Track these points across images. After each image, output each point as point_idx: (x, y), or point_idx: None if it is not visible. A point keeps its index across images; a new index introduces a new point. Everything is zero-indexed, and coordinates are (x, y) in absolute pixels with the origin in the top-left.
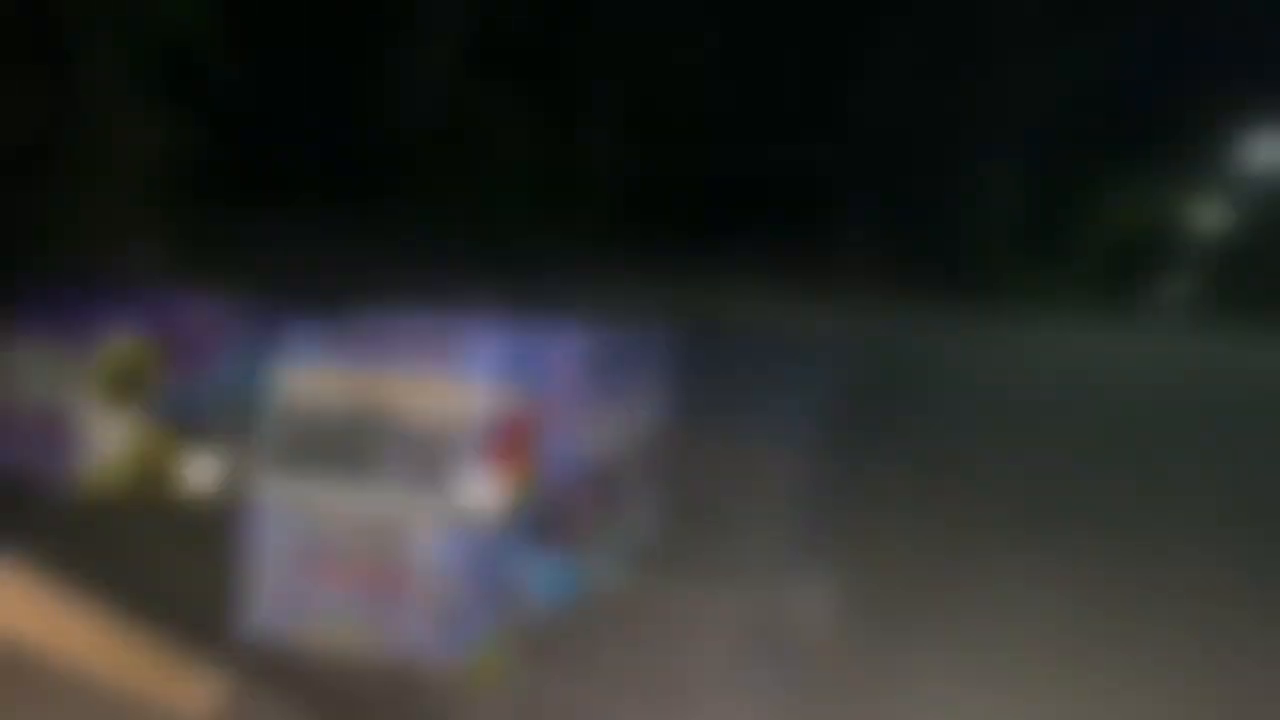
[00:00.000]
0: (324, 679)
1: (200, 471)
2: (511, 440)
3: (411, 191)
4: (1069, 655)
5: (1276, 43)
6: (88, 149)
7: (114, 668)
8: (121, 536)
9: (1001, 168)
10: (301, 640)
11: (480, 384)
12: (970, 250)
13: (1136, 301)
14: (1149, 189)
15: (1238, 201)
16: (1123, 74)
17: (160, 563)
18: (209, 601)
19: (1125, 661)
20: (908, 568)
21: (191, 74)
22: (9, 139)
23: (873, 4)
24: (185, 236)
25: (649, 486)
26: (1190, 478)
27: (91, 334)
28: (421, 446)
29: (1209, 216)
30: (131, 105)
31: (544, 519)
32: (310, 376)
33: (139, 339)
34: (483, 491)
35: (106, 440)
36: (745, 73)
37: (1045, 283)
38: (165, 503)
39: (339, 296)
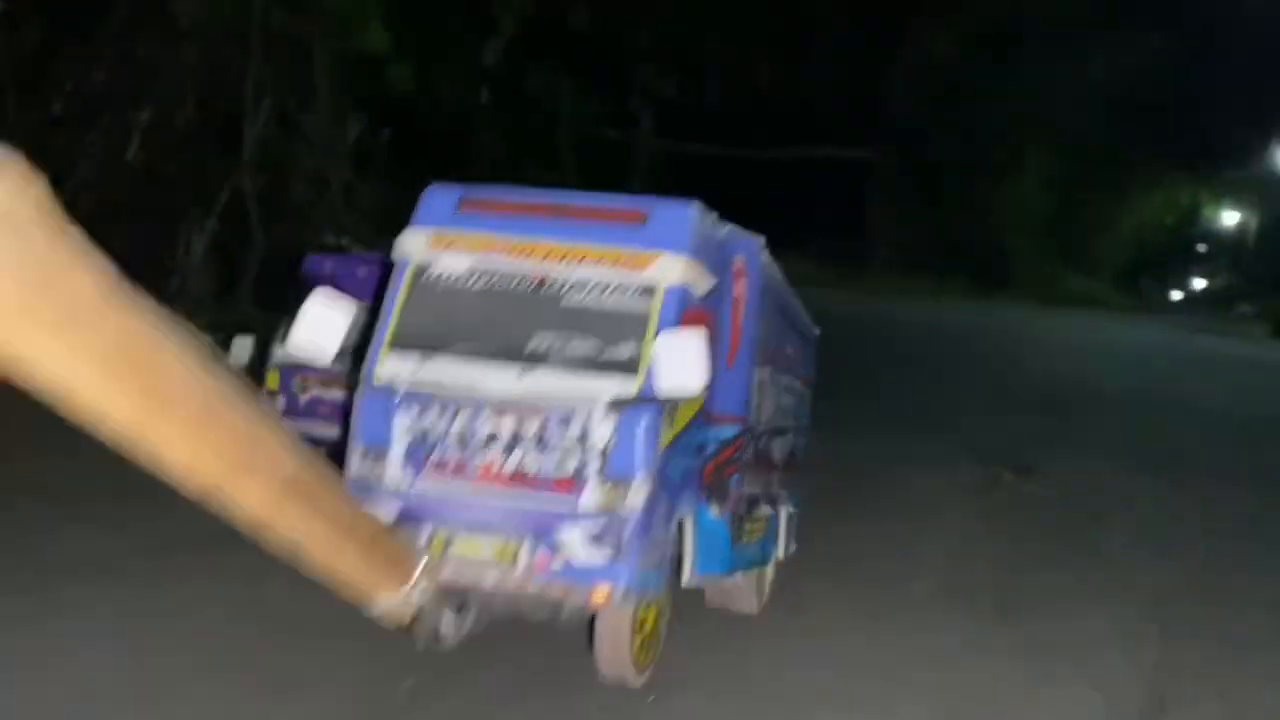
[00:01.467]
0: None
1: (240, 349)
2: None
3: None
4: None
5: None
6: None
7: None
8: None
9: (1031, 166)
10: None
11: (673, 256)
12: (997, 246)
13: (1153, 297)
14: (1174, 189)
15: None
16: (1151, 76)
17: None
18: None
19: None
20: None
21: (374, 85)
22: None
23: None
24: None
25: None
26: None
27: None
28: (602, 322)
29: (1232, 217)
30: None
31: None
32: (454, 240)
33: None
34: (686, 373)
35: None
36: (785, 69)
37: (1068, 279)
38: None
39: None
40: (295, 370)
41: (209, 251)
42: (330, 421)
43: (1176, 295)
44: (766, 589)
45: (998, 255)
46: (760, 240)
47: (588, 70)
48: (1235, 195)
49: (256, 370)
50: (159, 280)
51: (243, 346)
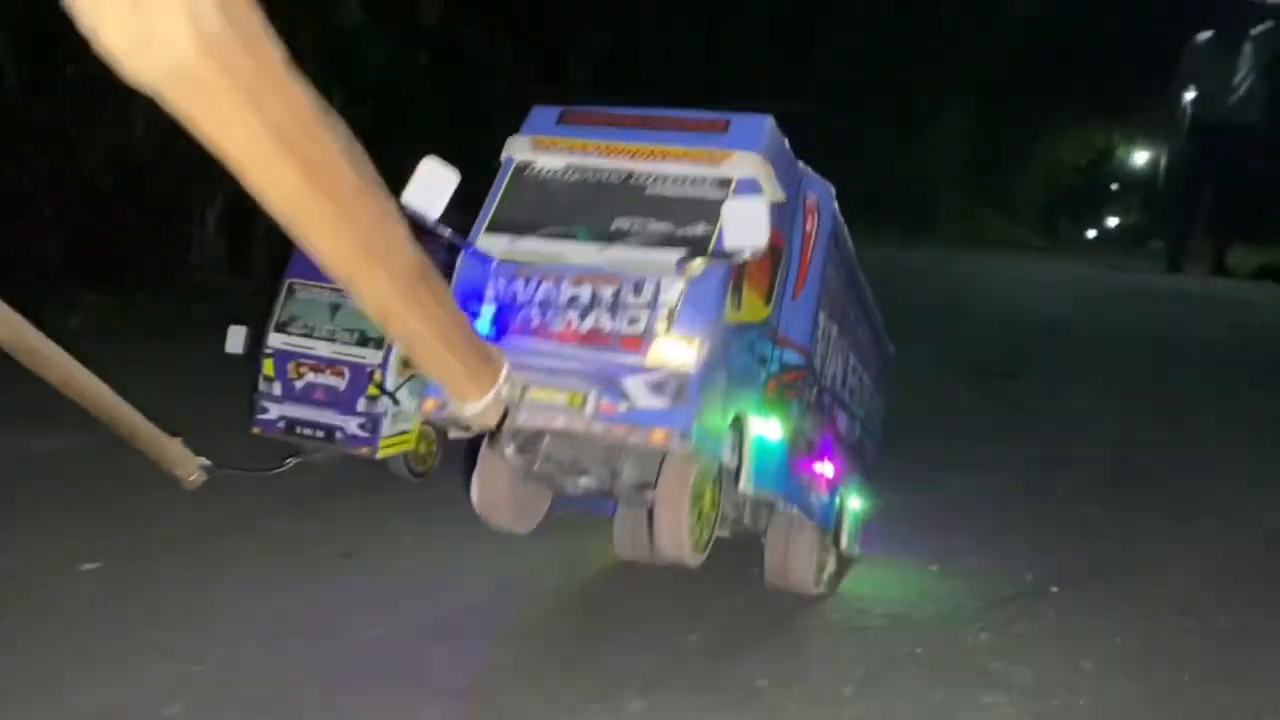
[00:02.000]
0: None
1: (234, 338)
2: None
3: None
4: None
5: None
6: None
7: None
8: None
9: (952, 115)
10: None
11: (747, 154)
12: (922, 192)
13: (1069, 236)
14: (1088, 132)
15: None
16: (1065, 24)
17: None
18: None
19: None
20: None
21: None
22: None
23: None
24: None
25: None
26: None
27: None
28: (680, 208)
29: (1143, 156)
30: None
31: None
32: (554, 143)
33: None
34: (750, 231)
35: None
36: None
37: (989, 221)
38: None
39: None
40: (290, 357)
41: (219, 224)
42: (324, 407)
43: (1091, 234)
44: (826, 574)
45: (923, 201)
46: (832, 189)
47: (523, 28)
48: (1146, 136)
49: (252, 358)
50: (178, 252)
51: (236, 335)
